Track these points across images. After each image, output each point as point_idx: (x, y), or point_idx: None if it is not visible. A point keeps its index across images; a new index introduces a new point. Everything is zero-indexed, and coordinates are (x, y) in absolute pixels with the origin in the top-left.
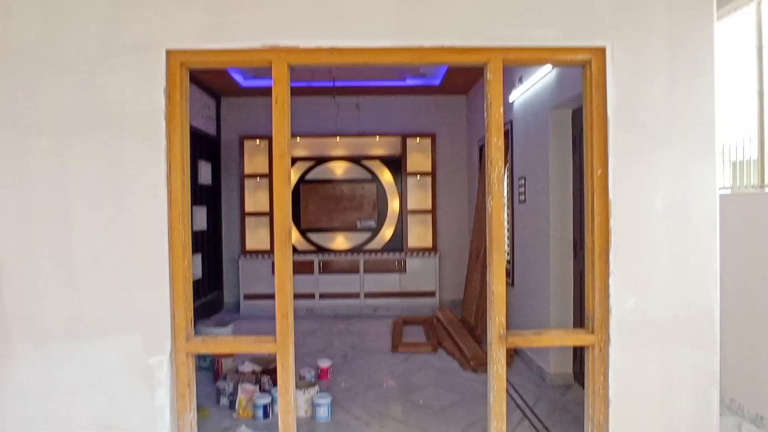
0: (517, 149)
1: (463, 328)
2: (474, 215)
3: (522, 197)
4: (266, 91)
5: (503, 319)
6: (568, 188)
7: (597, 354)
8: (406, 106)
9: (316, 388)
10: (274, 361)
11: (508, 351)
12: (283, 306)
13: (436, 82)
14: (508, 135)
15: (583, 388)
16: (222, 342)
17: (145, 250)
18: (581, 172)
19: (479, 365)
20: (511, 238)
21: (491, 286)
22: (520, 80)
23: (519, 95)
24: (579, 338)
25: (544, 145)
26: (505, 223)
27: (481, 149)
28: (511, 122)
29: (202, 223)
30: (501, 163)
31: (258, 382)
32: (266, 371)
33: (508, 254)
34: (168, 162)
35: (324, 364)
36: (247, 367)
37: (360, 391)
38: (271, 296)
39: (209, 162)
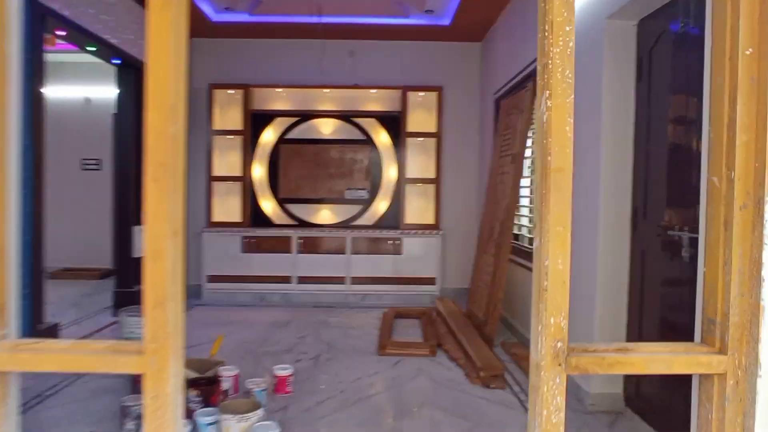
0: None
1: (470, 325)
2: (488, 181)
3: None
4: (242, 30)
5: (562, 324)
6: (628, 132)
7: (731, 389)
8: (409, 53)
9: (259, 412)
10: (216, 367)
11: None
12: (159, 287)
13: (446, 21)
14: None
15: (639, 416)
16: (46, 353)
17: None
18: (649, 107)
19: (492, 377)
20: None
21: (542, 260)
22: None
23: None
24: (699, 361)
25: (594, 73)
26: (527, 191)
27: (497, 103)
28: None
29: None
30: (571, 27)
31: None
32: (197, 383)
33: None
34: None
35: (282, 372)
36: None
37: (327, 412)
38: (242, 278)
39: None
